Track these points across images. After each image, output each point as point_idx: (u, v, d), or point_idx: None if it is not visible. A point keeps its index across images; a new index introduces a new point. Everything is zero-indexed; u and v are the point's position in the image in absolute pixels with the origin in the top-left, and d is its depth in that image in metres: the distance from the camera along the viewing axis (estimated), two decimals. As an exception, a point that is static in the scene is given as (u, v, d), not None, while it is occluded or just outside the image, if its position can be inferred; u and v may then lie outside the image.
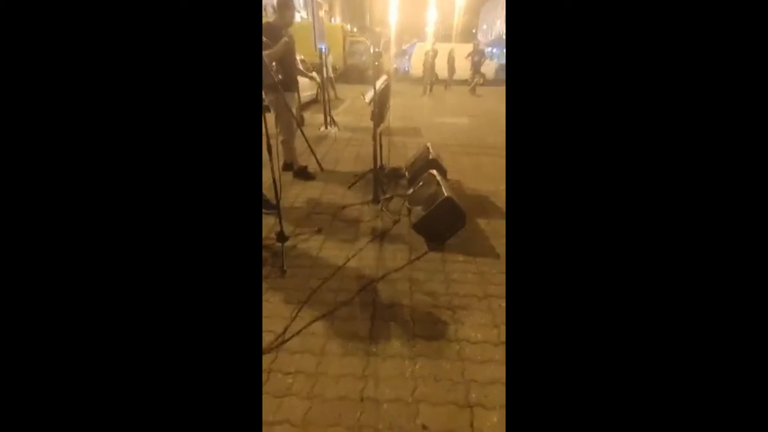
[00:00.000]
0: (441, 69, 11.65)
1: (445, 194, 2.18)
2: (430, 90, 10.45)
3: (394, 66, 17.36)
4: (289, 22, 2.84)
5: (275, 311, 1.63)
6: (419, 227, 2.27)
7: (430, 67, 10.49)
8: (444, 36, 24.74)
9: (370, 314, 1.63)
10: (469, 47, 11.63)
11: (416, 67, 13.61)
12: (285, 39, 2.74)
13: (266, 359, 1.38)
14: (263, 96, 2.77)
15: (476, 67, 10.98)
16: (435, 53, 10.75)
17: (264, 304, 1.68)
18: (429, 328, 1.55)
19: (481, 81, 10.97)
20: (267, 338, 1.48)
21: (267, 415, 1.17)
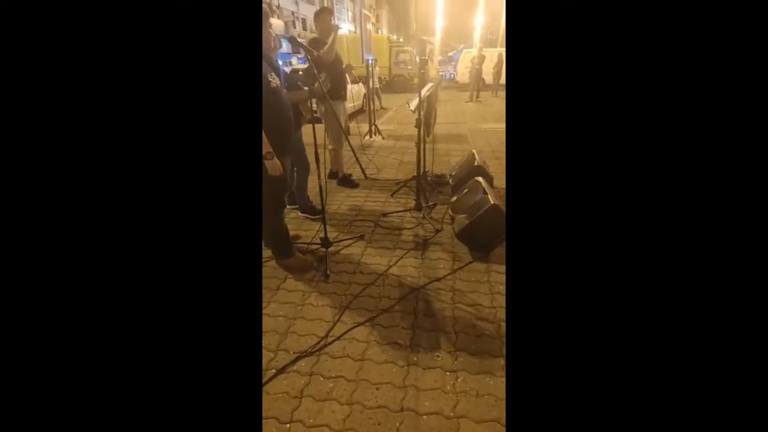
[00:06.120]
0: (488, 74, 11.39)
1: (492, 202, 2.11)
2: (477, 96, 10.25)
3: (440, 73, 17.27)
4: (327, 31, 2.78)
5: (318, 315, 1.67)
6: (463, 236, 2.21)
7: (476, 73, 10.30)
8: (490, 41, 24.21)
9: (411, 323, 1.60)
10: (517, 51, 11.25)
11: (462, 74, 13.43)
12: (334, 27, 2.68)
13: (308, 362, 1.41)
14: (315, 106, 2.81)
15: (525, 71, 10.58)
16: (482, 59, 10.55)
17: (307, 307, 1.73)
18: (472, 342, 1.49)
19: (531, 85, 10.52)
20: (309, 341, 1.51)
21: (307, 417, 1.19)
